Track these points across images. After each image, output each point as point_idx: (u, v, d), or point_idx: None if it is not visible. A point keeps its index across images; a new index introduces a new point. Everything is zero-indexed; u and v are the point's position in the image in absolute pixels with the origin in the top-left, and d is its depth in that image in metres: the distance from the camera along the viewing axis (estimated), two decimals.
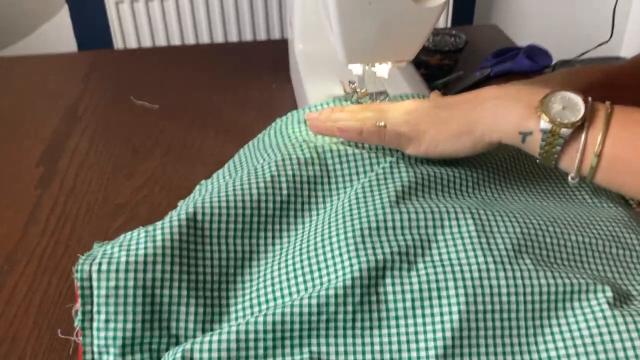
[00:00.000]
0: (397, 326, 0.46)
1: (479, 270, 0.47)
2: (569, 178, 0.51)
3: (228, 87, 0.96)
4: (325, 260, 0.49)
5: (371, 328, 0.46)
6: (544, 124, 0.49)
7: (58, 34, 1.86)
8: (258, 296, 0.49)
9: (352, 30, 0.61)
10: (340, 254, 0.49)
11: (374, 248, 0.48)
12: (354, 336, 0.46)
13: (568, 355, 0.45)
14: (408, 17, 0.59)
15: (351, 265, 0.47)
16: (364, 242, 0.49)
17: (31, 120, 0.89)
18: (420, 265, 0.48)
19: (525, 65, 0.96)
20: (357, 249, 0.48)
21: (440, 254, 0.49)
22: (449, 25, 1.87)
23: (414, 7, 0.58)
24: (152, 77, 1.00)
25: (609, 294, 0.46)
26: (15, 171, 0.77)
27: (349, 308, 0.46)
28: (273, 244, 0.53)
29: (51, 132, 0.85)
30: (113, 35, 1.81)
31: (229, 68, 1.02)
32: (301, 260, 0.50)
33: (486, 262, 0.48)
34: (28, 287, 0.58)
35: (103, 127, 0.87)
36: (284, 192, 0.55)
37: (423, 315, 0.46)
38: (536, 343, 0.46)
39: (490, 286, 0.47)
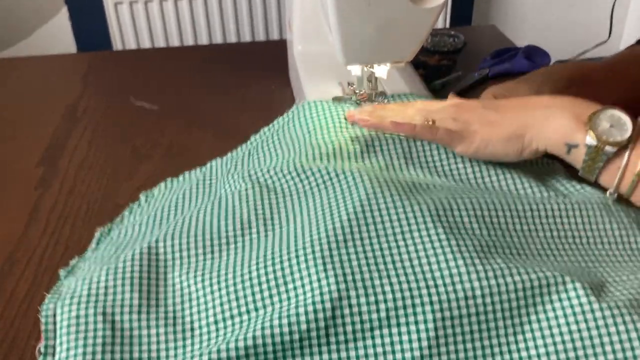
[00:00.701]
0: (373, 337, 0.45)
1: (451, 275, 0.47)
2: (607, 194, 0.53)
3: (227, 88, 0.96)
4: (292, 273, 0.48)
5: (346, 342, 0.45)
6: (590, 139, 0.51)
7: (57, 35, 1.86)
8: (222, 311, 0.48)
9: (351, 31, 0.61)
10: (307, 267, 0.48)
11: (341, 261, 0.48)
12: (329, 352, 0.45)
13: (547, 354, 0.45)
14: (406, 18, 0.60)
15: (319, 280, 0.47)
16: (331, 256, 0.48)
17: (31, 121, 0.89)
18: (392, 273, 0.47)
19: (524, 65, 0.96)
20: (324, 263, 0.47)
21: (410, 260, 0.48)
22: (447, 25, 1.88)
23: (412, 8, 0.59)
24: (152, 78, 1.01)
25: (585, 284, 0.46)
26: (15, 171, 0.77)
27: (321, 324, 0.45)
28: (235, 256, 0.52)
29: (51, 133, 0.85)
30: (112, 37, 1.81)
31: (228, 69, 1.03)
32: (266, 274, 0.49)
33: (457, 266, 0.47)
34: (28, 288, 0.58)
35: (103, 128, 0.87)
36: (244, 216, 0.56)
37: (398, 325, 0.45)
38: (516, 342, 0.45)
39: (464, 290, 0.46)
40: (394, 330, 0.45)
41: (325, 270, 0.47)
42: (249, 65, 1.04)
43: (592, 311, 0.45)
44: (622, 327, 0.44)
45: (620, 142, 0.50)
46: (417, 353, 0.44)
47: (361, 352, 0.45)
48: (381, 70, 0.68)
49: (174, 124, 0.86)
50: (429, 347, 0.44)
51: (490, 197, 0.55)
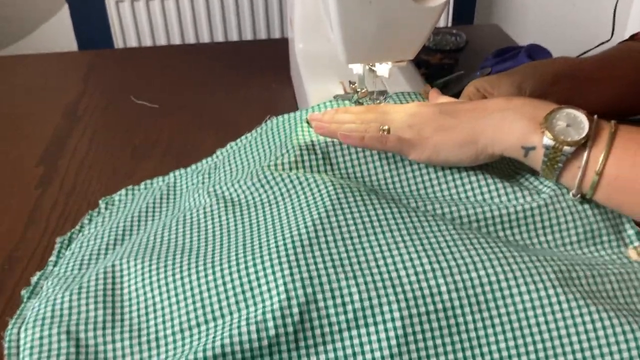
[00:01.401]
0: (342, 340, 0.45)
1: (416, 274, 0.47)
2: (570, 194, 0.52)
3: (228, 86, 0.96)
4: (258, 279, 0.48)
5: (315, 345, 0.45)
6: (547, 140, 0.50)
7: (58, 33, 1.86)
8: (188, 320, 0.48)
9: (353, 29, 0.60)
10: (274, 272, 0.47)
11: (307, 265, 0.47)
12: (299, 357, 0.45)
13: (517, 346, 0.45)
14: (409, 16, 0.59)
15: (285, 284, 0.46)
16: (297, 260, 0.48)
17: (31, 120, 0.89)
18: (358, 274, 0.47)
19: None
20: (290, 267, 0.47)
21: (376, 260, 0.48)
22: (449, 24, 1.87)
23: (414, 6, 0.58)
24: (153, 77, 1.00)
25: (551, 276, 0.47)
26: (15, 170, 0.77)
27: (290, 329, 0.45)
28: (197, 264, 0.51)
29: (51, 132, 0.85)
30: (113, 35, 1.80)
31: (230, 67, 1.02)
32: (232, 280, 0.48)
33: (422, 264, 0.47)
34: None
35: (103, 127, 0.87)
36: (209, 231, 0.55)
37: (366, 325, 0.46)
38: (486, 336, 0.46)
39: (429, 287, 0.46)
40: (363, 330, 0.45)
41: (291, 274, 0.47)
42: (250, 63, 1.04)
43: (559, 303, 0.46)
44: (587, 318, 0.45)
45: (578, 141, 0.49)
46: (386, 352, 0.45)
47: (331, 355, 0.45)
48: (383, 69, 0.67)
49: (174, 122, 0.86)
50: (398, 345, 0.45)
51: (452, 199, 0.56)
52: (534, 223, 0.54)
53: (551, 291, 0.46)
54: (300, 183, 0.56)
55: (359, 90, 0.70)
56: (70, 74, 1.03)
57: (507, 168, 0.61)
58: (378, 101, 0.69)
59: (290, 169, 0.59)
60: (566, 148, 0.49)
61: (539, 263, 0.48)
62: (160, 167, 0.75)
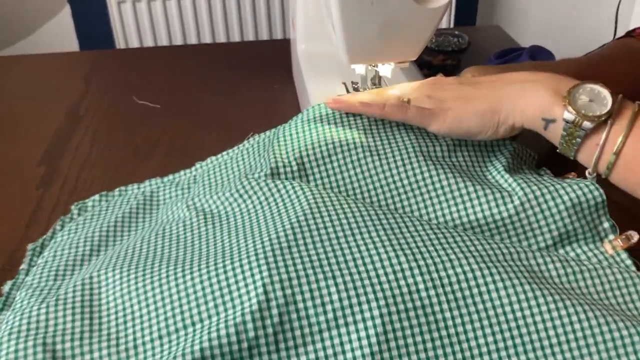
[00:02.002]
0: (322, 340, 0.45)
1: (394, 272, 0.47)
2: (587, 173, 0.51)
3: (230, 87, 0.96)
4: (237, 282, 0.48)
5: (296, 347, 0.45)
6: (568, 114, 0.49)
7: (60, 34, 1.86)
8: (167, 326, 0.47)
9: (355, 30, 0.60)
10: (252, 275, 0.47)
11: (286, 266, 0.47)
12: (279, 358, 0.45)
13: (495, 342, 0.46)
14: (411, 18, 0.59)
15: (264, 285, 0.46)
16: (276, 262, 0.48)
17: (33, 120, 0.89)
18: (337, 274, 0.47)
19: None
20: (269, 269, 0.47)
21: (354, 260, 0.48)
22: (451, 25, 1.87)
23: (416, 8, 0.58)
24: (154, 77, 1.00)
25: (525, 273, 0.48)
26: (17, 170, 0.77)
27: (269, 330, 0.45)
28: (176, 270, 0.50)
29: (53, 132, 0.85)
30: (115, 35, 1.81)
31: (231, 68, 1.02)
32: (210, 285, 0.48)
33: (400, 262, 0.48)
34: None
35: (105, 127, 0.87)
36: (189, 241, 0.55)
37: (346, 325, 0.46)
38: (465, 332, 0.46)
39: (408, 285, 0.47)
40: (343, 330, 0.46)
41: (270, 276, 0.47)
42: (252, 64, 1.04)
43: (535, 298, 0.47)
44: (563, 312, 0.46)
45: (599, 116, 0.48)
46: (367, 350, 0.45)
47: (312, 355, 0.45)
48: (385, 69, 0.67)
49: (176, 123, 0.86)
50: (378, 343, 0.45)
51: (424, 202, 0.56)
52: (507, 232, 0.55)
53: (527, 287, 0.47)
54: (279, 190, 0.56)
55: (361, 90, 0.70)
56: (72, 74, 1.03)
57: (478, 167, 0.60)
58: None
59: (267, 178, 0.59)
60: (586, 123, 0.48)
61: (512, 262, 0.49)
62: (162, 167, 0.75)
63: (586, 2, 2.08)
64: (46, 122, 0.88)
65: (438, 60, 1.01)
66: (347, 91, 0.73)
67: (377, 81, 0.69)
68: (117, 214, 0.63)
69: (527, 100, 0.52)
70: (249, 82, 0.97)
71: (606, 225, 0.56)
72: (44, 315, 0.49)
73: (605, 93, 0.49)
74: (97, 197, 0.68)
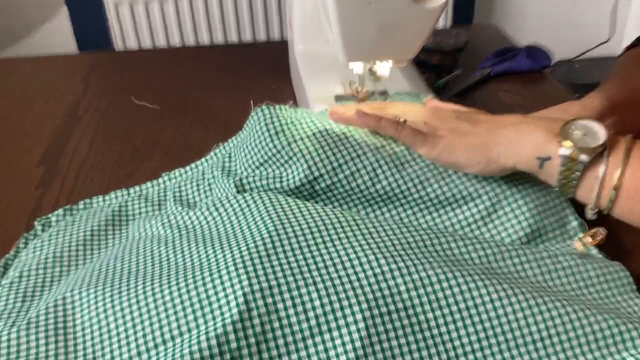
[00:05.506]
0: (306, 347, 0.45)
1: (375, 275, 0.47)
2: (587, 209, 0.50)
3: (228, 88, 0.96)
4: (216, 293, 0.47)
5: (280, 356, 0.45)
6: (564, 149, 0.49)
7: (57, 36, 1.86)
8: (145, 342, 0.46)
9: (352, 30, 0.61)
10: (232, 285, 0.46)
11: (266, 274, 0.47)
12: None
13: (479, 340, 0.47)
14: (408, 18, 0.60)
15: (244, 294, 0.45)
16: (255, 270, 0.47)
17: (32, 121, 0.89)
18: (318, 280, 0.47)
19: (525, 64, 0.96)
20: (249, 277, 0.46)
21: (335, 265, 0.48)
22: (449, 24, 1.87)
23: (414, 8, 0.59)
24: (153, 78, 1.01)
25: (503, 275, 0.49)
26: (16, 171, 0.77)
27: (252, 340, 0.44)
28: (152, 285, 0.49)
29: (52, 133, 0.85)
30: (113, 37, 1.81)
31: (229, 69, 1.03)
32: (190, 298, 0.47)
33: (380, 265, 0.48)
34: None
35: (104, 128, 0.87)
36: (163, 256, 0.54)
37: (330, 330, 0.45)
38: (448, 332, 0.47)
39: (389, 287, 0.47)
40: (327, 336, 0.45)
41: (250, 285, 0.46)
42: (250, 65, 1.04)
43: (515, 295, 0.47)
44: (543, 307, 0.47)
45: (595, 147, 0.48)
46: (352, 355, 0.45)
47: None
48: (383, 68, 0.67)
49: (174, 123, 0.86)
50: (363, 347, 0.45)
51: (403, 207, 0.58)
52: (482, 234, 0.56)
53: (505, 285, 0.48)
54: (255, 201, 0.55)
55: (359, 90, 0.70)
56: (71, 76, 1.03)
57: (446, 174, 0.60)
58: (378, 101, 0.69)
59: (238, 192, 0.59)
60: (583, 156, 0.48)
61: (489, 265, 0.50)
62: (161, 167, 0.75)
63: (583, 1, 2.08)
64: (45, 122, 0.88)
65: (435, 59, 1.01)
66: (345, 90, 0.73)
67: (375, 80, 0.69)
68: (86, 230, 0.61)
69: (521, 142, 0.52)
70: (247, 83, 0.97)
71: (575, 223, 0.57)
72: (15, 340, 0.47)
73: (597, 127, 0.49)
74: (60, 211, 0.65)
